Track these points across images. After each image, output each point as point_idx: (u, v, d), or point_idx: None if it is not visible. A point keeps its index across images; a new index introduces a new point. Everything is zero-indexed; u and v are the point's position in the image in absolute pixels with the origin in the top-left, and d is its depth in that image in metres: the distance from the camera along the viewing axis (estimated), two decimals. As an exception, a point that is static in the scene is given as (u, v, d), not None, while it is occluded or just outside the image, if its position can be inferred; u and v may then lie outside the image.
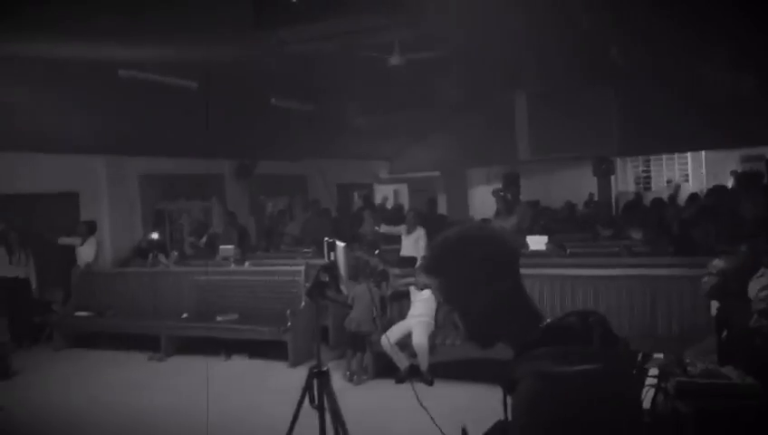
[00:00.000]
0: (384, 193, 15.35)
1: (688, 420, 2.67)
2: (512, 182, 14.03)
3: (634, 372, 1.78)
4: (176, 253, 8.95)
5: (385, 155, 14.41)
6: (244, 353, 7.03)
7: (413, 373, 5.64)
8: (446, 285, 1.47)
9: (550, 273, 5.99)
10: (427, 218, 9.34)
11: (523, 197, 12.79)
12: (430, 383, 5.69)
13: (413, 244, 8.09)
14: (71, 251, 8.56)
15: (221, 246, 8.77)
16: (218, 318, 7.07)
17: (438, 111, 11.97)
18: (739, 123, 9.50)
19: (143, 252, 9.07)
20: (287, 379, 6.09)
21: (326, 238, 3.77)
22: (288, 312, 6.60)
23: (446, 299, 1.49)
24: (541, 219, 9.97)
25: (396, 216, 10.72)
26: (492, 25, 7.52)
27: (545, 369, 1.36)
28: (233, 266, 8.16)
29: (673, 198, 11.20)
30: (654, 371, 3.07)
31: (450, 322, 1.56)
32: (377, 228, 8.91)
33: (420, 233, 8.20)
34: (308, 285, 3.82)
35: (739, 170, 10.94)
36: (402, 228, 8.52)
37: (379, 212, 11.02)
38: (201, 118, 8.58)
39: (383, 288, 6.26)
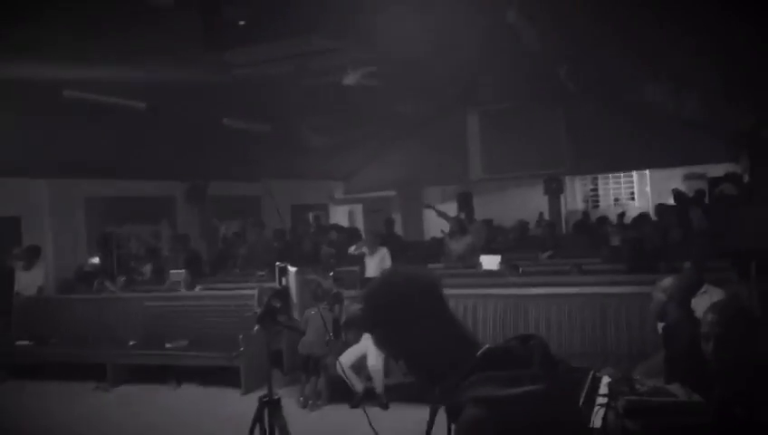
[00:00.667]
0: (339, 213, 15.31)
1: (637, 438, 2.70)
2: (465, 201, 14.21)
3: (582, 393, 1.80)
4: (123, 278, 8.68)
5: (340, 175, 14.40)
6: (194, 381, 6.85)
7: (369, 397, 5.59)
8: (382, 335, 1.50)
9: (503, 293, 6.06)
10: (385, 238, 9.34)
11: (477, 216, 12.95)
12: (385, 407, 5.64)
13: (378, 264, 8.06)
14: (10, 277, 8.20)
15: (171, 271, 8.55)
16: (168, 345, 6.87)
17: (393, 130, 12.08)
18: (681, 143, 9.87)
19: (86, 277, 8.77)
20: (240, 406, 5.94)
21: (278, 263, 3.72)
22: (240, 337, 6.47)
23: (386, 348, 1.53)
24: (494, 238, 10.08)
25: (354, 236, 10.68)
26: (445, 46, 7.66)
27: (486, 394, 1.36)
28: (183, 291, 7.97)
29: (621, 216, 11.52)
30: (604, 389, 3.12)
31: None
32: (350, 250, 8.84)
33: (384, 252, 8.19)
34: (260, 310, 3.73)
35: (682, 188, 11.32)
36: (364, 249, 8.49)
37: (334, 232, 10.94)
38: (150, 139, 8.46)
39: (336, 311, 6.20)
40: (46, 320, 7.89)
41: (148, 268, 9.46)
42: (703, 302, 4.47)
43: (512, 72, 9.78)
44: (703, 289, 4.65)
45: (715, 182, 10.63)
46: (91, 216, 9.82)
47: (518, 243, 10.43)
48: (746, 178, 9.33)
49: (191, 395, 6.60)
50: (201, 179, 11.18)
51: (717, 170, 11.41)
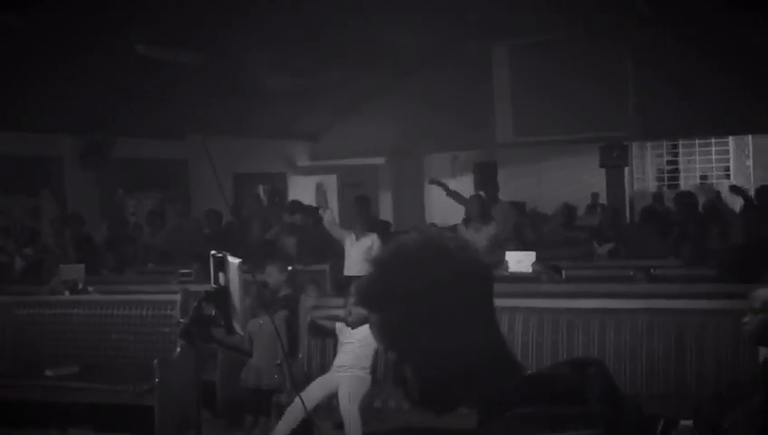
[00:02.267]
0: (303, 187, 15.29)
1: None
2: (487, 175, 14.25)
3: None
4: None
5: (305, 133, 14.37)
6: (86, 426, 6.85)
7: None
8: (391, 323, 1.46)
9: (537, 305, 6.09)
10: (375, 221, 9.38)
11: (503, 196, 12.99)
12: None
13: (363, 254, 8.03)
14: None
15: (61, 266, 8.51)
16: (48, 373, 6.85)
17: (384, 70, 12.04)
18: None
19: None
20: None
21: (213, 252, 3.71)
22: (155, 362, 6.47)
23: (390, 344, 1.48)
24: (527, 228, 10.13)
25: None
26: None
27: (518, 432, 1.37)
28: (67, 295, 7.93)
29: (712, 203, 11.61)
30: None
31: (394, 376, 1.56)
32: (325, 219, 8.80)
33: (373, 239, 8.22)
34: (184, 321, 3.73)
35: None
36: (346, 233, 8.51)
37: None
38: (28, 70, 8.36)
39: (293, 321, 6.25)
40: None
41: (18, 260, 9.40)
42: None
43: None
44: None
45: None
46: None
47: (561, 236, 10.48)
48: None
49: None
50: (101, 133, 11.09)
51: None
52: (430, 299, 1.43)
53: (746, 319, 3.80)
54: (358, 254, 8.16)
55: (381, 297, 1.46)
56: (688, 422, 3.37)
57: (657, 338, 5.72)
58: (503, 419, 1.41)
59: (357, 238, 8.33)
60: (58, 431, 6.82)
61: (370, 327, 1.48)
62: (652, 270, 7.41)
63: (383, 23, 9.38)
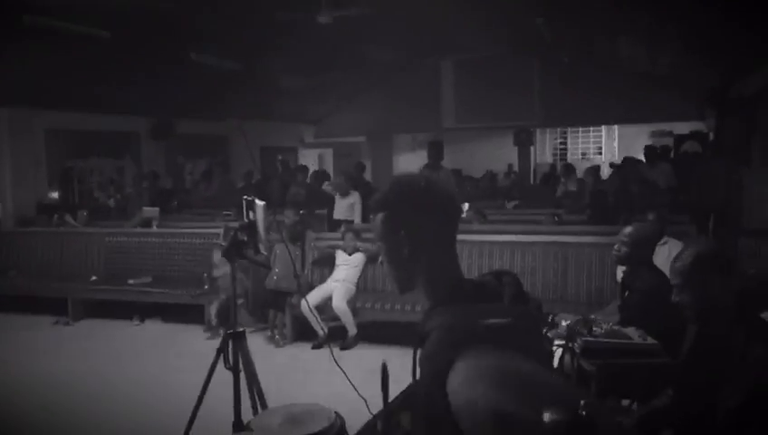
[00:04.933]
0: (309, 157, 15.14)
1: (591, 376, 2.80)
2: (436, 150, 14.16)
3: (544, 330, 1.83)
4: (85, 213, 8.49)
5: (311, 118, 14.17)
6: (157, 318, 6.83)
7: (332, 338, 5.66)
8: (391, 221, 1.46)
9: (470, 239, 6.13)
10: (356, 181, 9.30)
11: (448, 165, 12.93)
12: (350, 347, 5.73)
13: (347, 208, 8.01)
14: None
15: (144, 208, 8.41)
16: (130, 281, 6.80)
17: (366, 74, 11.86)
18: (650, 100, 9.94)
19: (46, 211, 8.56)
20: (203, 342, 5.97)
21: (245, 196, 3.66)
22: (205, 275, 6.44)
23: (383, 235, 1.48)
24: (462, 187, 10.13)
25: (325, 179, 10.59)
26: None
27: (454, 322, 1.37)
28: (154, 228, 7.85)
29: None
30: (562, 331, 3.20)
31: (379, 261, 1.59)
32: (325, 187, 8.75)
33: (355, 197, 8.08)
34: (225, 244, 3.69)
35: (650, 144, 11.48)
36: (333, 190, 8.44)
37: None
38: (113, 71, 8.14)
39: (302, 247, 6.23)
40: (5, 253, 7.73)
41: (111, 202, 9.27)
42: (662, 252, 4.59)
43: (488, 21, 9.62)
44: (663, 240, 4.76)
45: (680, 139, 10.79)
46: (52, 148, 9.50)
47: (486, 192, 10.49)
48: (711, 137, 9.48)
49: (154, 331, 6.59)
50: (167, 116, 10.88)
51: (682, 128, 11.57)
52: (418, 213, 1.43)
53: (617, 247, 3.77)
54: (343, 207, 8.11)
55: (389, 202, 1.47)
56: (568, 317, 3.39)
57: (550, 261, 5.79)
58: (442, 309, 1.41)
59: (342, 195, 8.21)
60: (138, 321, 6.81)
61: (373, 221, 1.50)
62: (556, 217, 7.43)
63: (368, 42, 9.21)
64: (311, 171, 10.91)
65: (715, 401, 2.11)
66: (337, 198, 8.30)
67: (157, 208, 8.24)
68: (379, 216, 1.49)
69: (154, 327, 6.71)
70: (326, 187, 8.63)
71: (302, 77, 10.48)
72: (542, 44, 9.56)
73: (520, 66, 11.13)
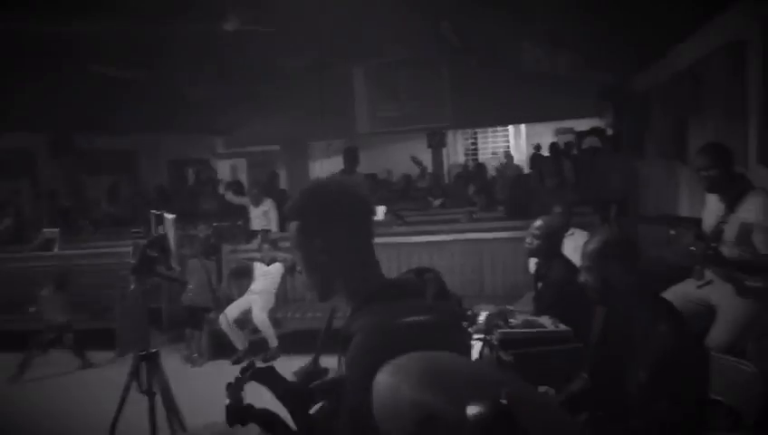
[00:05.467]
0: (221, 168, 14.78)
1: (509, 366, 2.87)
2: (351, 156, 14.18)
3: (465, 325, 1.86)
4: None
5: (221, 128, 13.84)
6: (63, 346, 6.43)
7: (252, 353, 5.54)
8: (305, 228, 1.45)
9: (389, 241, 6.16)
10: (269, 190, 9.14)
11: (364, 170, 12.98)
12: (272, 359, 5.62)
13: (261, 216, 7.84)
14: None
15: (44, 229, 7.91)
16: (31, 309, 6.37)
17: (278, 82, 11.71)
18: (553, 99, 10.38)
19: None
20: (114, 367, 5.68)
21: (153, 211, 3.53)
22: (115, 295, 6.13)
23: (299, 244, 1.47)
24: (379, 191, 10.19)
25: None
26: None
27: (376, 323, 1.36)
28: (56, 250, 7.40)
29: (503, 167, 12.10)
30: (481, 325, 3.28)
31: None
32: (226, 196, 8.53)
33: (268, 204, 7.90)
34: (134, 262, 3.53)
35: (555, 141, 12.00)
36: (246, 200, 8.24)
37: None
38: (5, 84, 7.62)
39: (217, 260, 6.08)
40: None
41: (7, 222, 8.66)
42: (570, 243, 4.79)
43: (398, 27, 9.76)
44: (570, 232, 4.97)
45: (581, 135, 11.34)
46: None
47: (404, 194, 10.61)
48: (609, 132, 10.02)
49: (61, 359, 6.19)
50: (65, 131, 10.29)
51: (583, 125, 12.17)
52: (331, 219, 1.43)
53: (528, 240, 3.90)
54: (257, 215, 7.94)
55: (301, 210, 1.46)
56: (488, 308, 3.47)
57: (467, 258, 5.93)
58: (365, 310, 1.40)
59: (256, 204, 8.02)
60: (42, 351, 6.39)
61: (290, 232, 1.49)
62: (474, 215, 7.58)
63: (276, 49, 9.09)
64: (224, 182, 10.65)
65: (625, 380, 2.22)
66: (251, 208, 8.14)
67: (57, 230, 7.78)
68: (293, 224, 1.48)
69: (61, 356, 6.31)
70: (230, 197, 8.46)
71: (209, 87, 10.22)
72: (450, 49, 9.79)
73: (430, 70, 11.34)
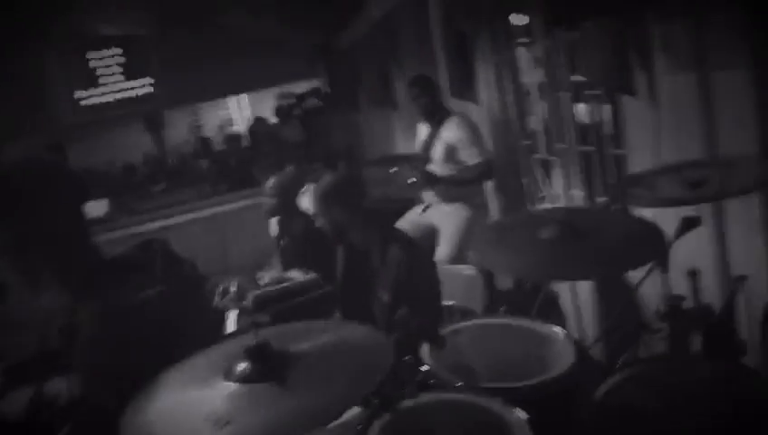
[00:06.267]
0: None
1: (266, 326, 2.87)
2: (58, 154, 12.64)
3: (201, 291, 1.80)
4: None
5: None
6: None
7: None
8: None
9: (117, 236, 5.71)
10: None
11: (78, 165, 11.68)
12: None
13: None
14: None
15: None
16: None
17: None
18: (270, 65, 10.40)
19: None
20: None
21: None
22: None
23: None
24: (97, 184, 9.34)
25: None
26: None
27: (101, 307, 1.28)
28: None
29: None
30: (233, 294, 3.22)
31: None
32: None
33: None
34: None
35: (279, 105, 12.14)
36: None
37: None
38: None
39: None
40: None
41: None
42: (306, 199, 4.95)
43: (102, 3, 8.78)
44: (304, 188, 5.12)
45: (302, 97, 11.63)
46: None
47: (127, 185, 9.89)
48: (327, 90, 10.45)
49: None
50: None
51: (303, 87, 12.50)
52: (40, 211, 1.30)
53: (265, 200, 3.96)
54: None
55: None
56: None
57: (209, 236, 5.76)
58: (90, 293, 1.29)
59: None
60: None
61: None
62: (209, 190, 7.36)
63: None
64: None
65: (372, 307, 2.38)
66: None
67: None
68: None
69: None
70: None
71: None
72: (157, 23, 9.17)
73: (131, 47, 10.52)
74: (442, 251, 3.62)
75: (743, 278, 1.15)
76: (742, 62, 1.97)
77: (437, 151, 3.74)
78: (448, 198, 3.78)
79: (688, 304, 2.23)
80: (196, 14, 9.01)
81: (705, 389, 1.54)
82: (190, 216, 5.95)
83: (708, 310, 2.14)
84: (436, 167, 3.73)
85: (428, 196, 3.89)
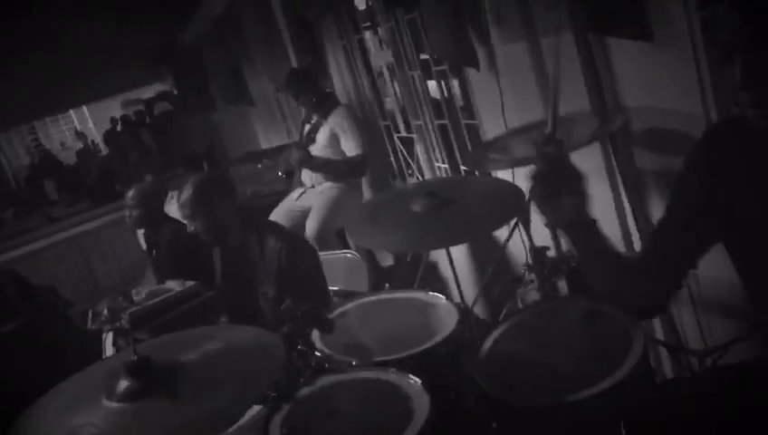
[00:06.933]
0: None
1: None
2: None
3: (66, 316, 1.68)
4: None
5: None
6: None
7: None
8: None
9: None
10: None
11: None
12: None
13: None
14: None
15: None
16: None
17: None
18: (111, 72, 9.73)
19: None
20: None
21: None
22: None
23: None
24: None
25: None
26: None
27: None
28: None
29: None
30: (105, 316, 3.02)
31: None
32: None
33: None
34: None
35: (124, 114, 11.45)
36: None
37: None
38: None
39: None
40: None
41: None
42: (172, 207, 4.73)
43: None
44: (170, 195, 4.90)
45: (150, 102, 11.04)
46: None
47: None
48: (175, 92, 10.00)
49: None
50: None
51: (150, 92, 11.85)
52: None
53: (127, 213, 3.74)
54: None
55: None
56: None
57: (72, 259, 5.35)
58: None
59: None
60: None
61: None
62: (50, 217, 6.77)
63: None
64: None
65: (258, 304, 2.35)
66: None
67: None
68: None
69: None
70: None
71: None
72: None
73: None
74: (309, 227, 3.65)
75: (593, 221, 1.28)
76: (566, 28, 2.14)
77: (321, 137, 3.78)
78: (321, 180, 3.82)
79: (552, 253, 2.43)
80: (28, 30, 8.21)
81: (574, 327, 1.70)
82: (44, 242, 5.47)
83: (569, 256, 2.34)
84: (317, 151, 3.76)
85: (305, 179, 3.90)
